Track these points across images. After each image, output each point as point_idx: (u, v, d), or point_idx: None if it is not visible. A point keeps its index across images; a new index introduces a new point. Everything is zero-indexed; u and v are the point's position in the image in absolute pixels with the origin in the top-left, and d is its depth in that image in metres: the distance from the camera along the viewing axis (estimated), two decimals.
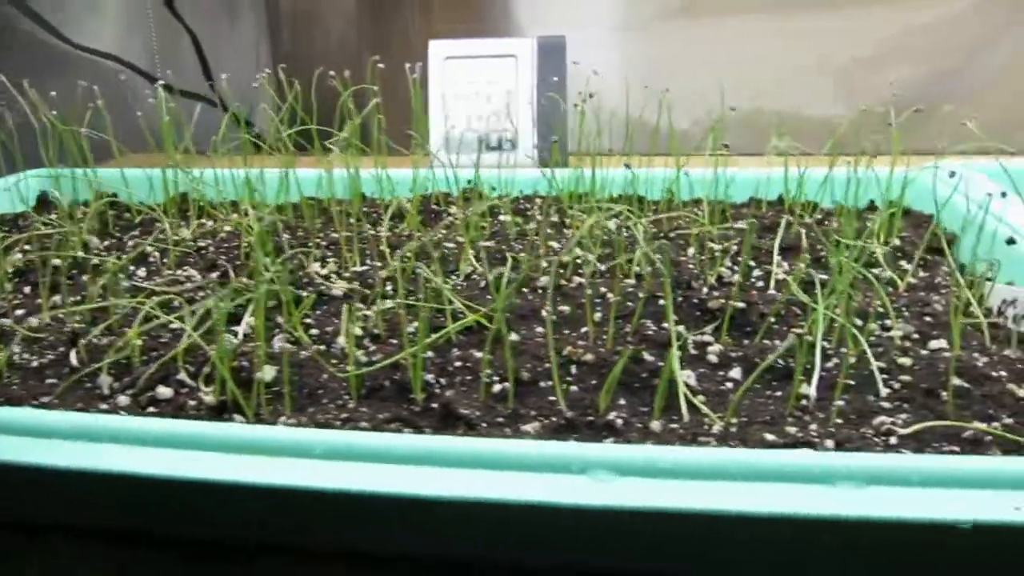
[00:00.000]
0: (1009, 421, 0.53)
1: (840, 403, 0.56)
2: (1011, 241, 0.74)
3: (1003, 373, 0.57)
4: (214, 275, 0.78)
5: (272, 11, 1.79)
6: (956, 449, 0.50)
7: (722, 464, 0.43)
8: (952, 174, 0.88)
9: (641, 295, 0.70)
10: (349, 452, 0.45)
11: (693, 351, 0.63)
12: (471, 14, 1.79)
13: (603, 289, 0.72)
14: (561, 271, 0.76)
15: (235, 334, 0.64)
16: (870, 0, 1.70)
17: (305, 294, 0.71)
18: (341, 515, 0.47)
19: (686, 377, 0.59)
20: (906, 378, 0.58)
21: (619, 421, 0.54)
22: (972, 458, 0.47)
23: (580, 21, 1.75)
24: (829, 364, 0.61)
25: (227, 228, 0.91)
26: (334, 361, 0.62)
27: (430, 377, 0.60)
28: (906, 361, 0.59)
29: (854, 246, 0.82)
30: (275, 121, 0.99)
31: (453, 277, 0.78)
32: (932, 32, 1.70)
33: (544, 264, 0.78)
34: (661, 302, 0.69)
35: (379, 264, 0.80)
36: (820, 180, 0.97)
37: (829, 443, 0.51)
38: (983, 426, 0.51)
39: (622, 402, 0.57)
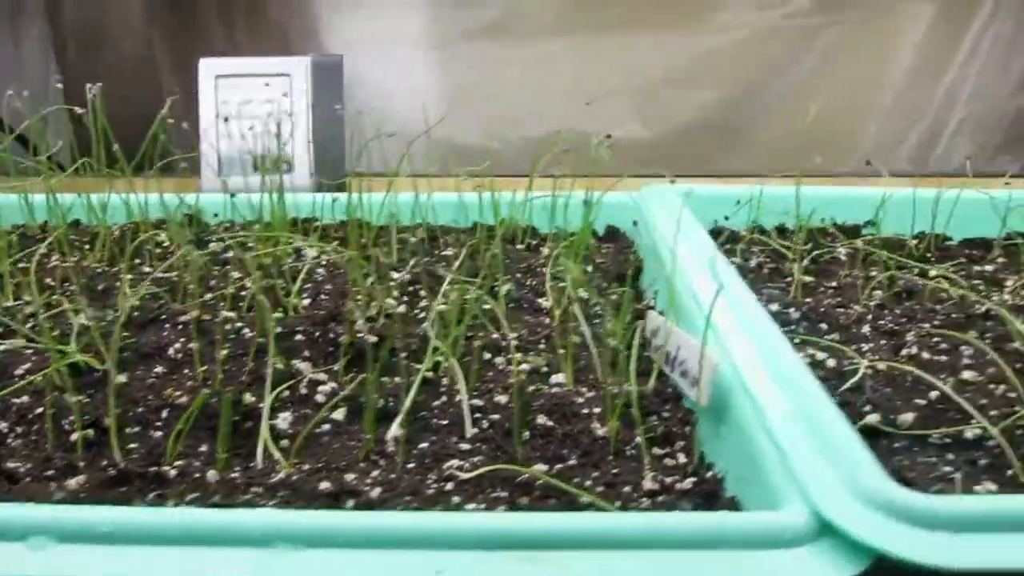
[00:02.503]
0: (573, 462, 0.52)
1: (424, 445, 0.54)
2: None
3: (595, 410, 0.56)
4: None
5: (56, 27, 1.69)
6: (505, 495, 0.49)
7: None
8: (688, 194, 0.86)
9: (281, 330, 0.67)
10: None
11: (304, 390, 0.60)
12: (274, 30, 1.74)
13: (240, 325, 0.69)
14: (221, 304, 0.73)
15: None
16: (667, 24, 1.73)
17: None
18: None
19: (281, 419, 0.56)
20: (496, 416, 0.56)
21: (173, 472, 0.51)
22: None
23: (383, 39, 1.73)
24: (438, 402, 0.59)
25: None
26: None
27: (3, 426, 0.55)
28: (502, 399, 0.58)
29: (534, 272, 0.82)
30: (47, 140, 0.92)
31: (111, 311, 0.73)
32: (727, 56, 1.75)
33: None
34: (298, 337, 0.66)
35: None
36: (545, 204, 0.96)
37: (376, 491, 0.48)
38: (540, 468, 0.50)
39: (203, 448, 0.54)
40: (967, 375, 0.61)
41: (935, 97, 1.76)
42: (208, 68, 1.36)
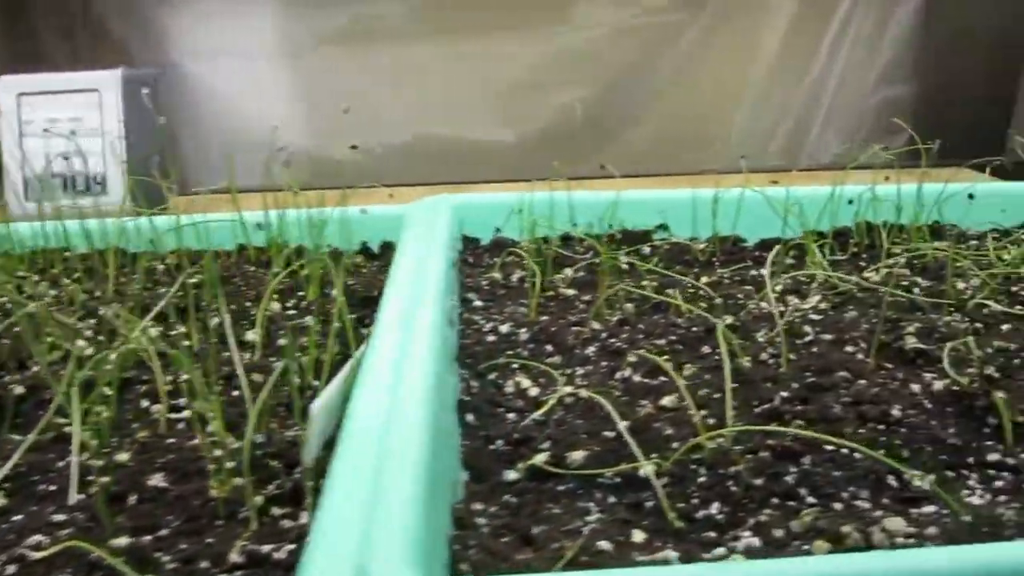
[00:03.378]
0: (165, 532, 0.45)
1: (18, 518, 0.47)
2: None
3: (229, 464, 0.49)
4: None
5: None
6: None
7: None
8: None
9: None
10: None
11: None
12: (113, 42, 1.65)
13: None
14: None
15: None
16: (526, 25, 1.68)
17: None
18: None
19: None
20: (106, 479, 0.49)
21: None
22: None
23: (232, 48, 1.65)
24: (64, 462, 0.52)
25: None
26: None
27: None
28: (124, 456, 0.51)
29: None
30: None
31: None
32: (589, 56, 1.70)
33: None
34: None
35: None
36: None
37: None
38: (121, 542, 0.43)
39: None
40: (667, 401, 0.55)
41: (801, 92, 1.72)
42: (9, 86, 1.28)
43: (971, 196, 0.81)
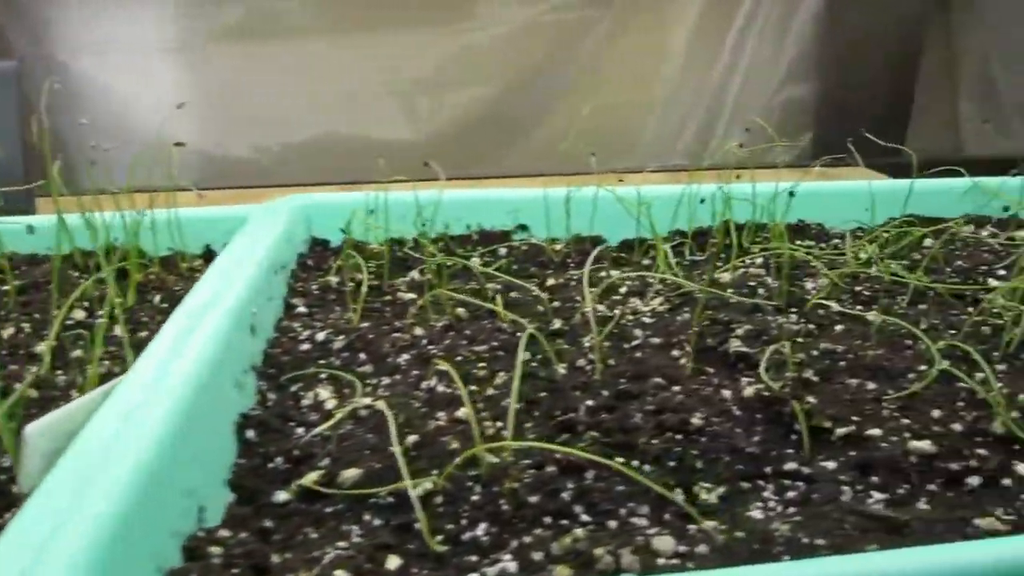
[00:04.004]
0: None
1: None
2: None
3: None
4: None
5: None
6: None
7: None
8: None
9: None
10: None
11: None
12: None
13: None
14: None
15: None
16: (430, 21, 1.64)
17: None
18: None
19: None
20: None
21: None
22: None
23: (119, 42, 1.58)
24: None
25: None
26: None
27: None
28: None
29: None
30: None
31: None
32: (494, 53, 1.66)
33: None
34: None
35: None
36: None
37: None
38: None
39: None
40: (462, 412, 0.52)
41: (707, 91, 1.72)
42: None
43: (791, 194, 0.79)
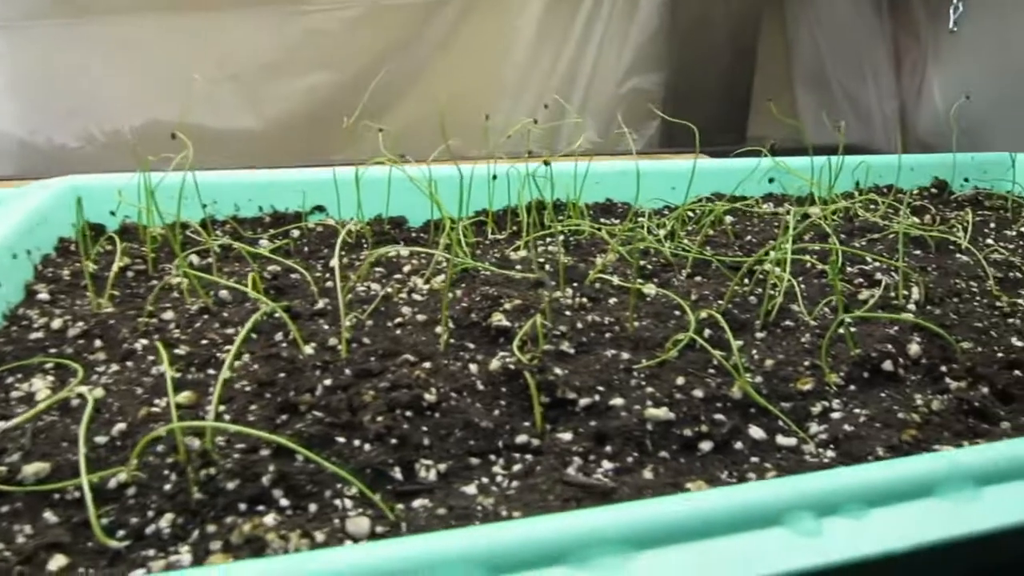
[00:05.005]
0: None
1: None
2: None
3: None
4: None
5: None
6: None
7: None
8: None
9: None
10: None
11: None
12: None
13: None
14: None
15: None
16: (269, 1, 1.57)
17: None
18: None
19: None
20: None
21: None
22: None
23: None
24: None
25: None
26: None
27: None
28: None
29: None
30: None
31: None
32: (337, 37, 1.61)
33: None
34: None
35: None
36: None
37: None
38: None
39: None
40: (183, 398, 0.48)
41: (556, 77, 1.72)
42: None
43: (547, 163, 0.78)
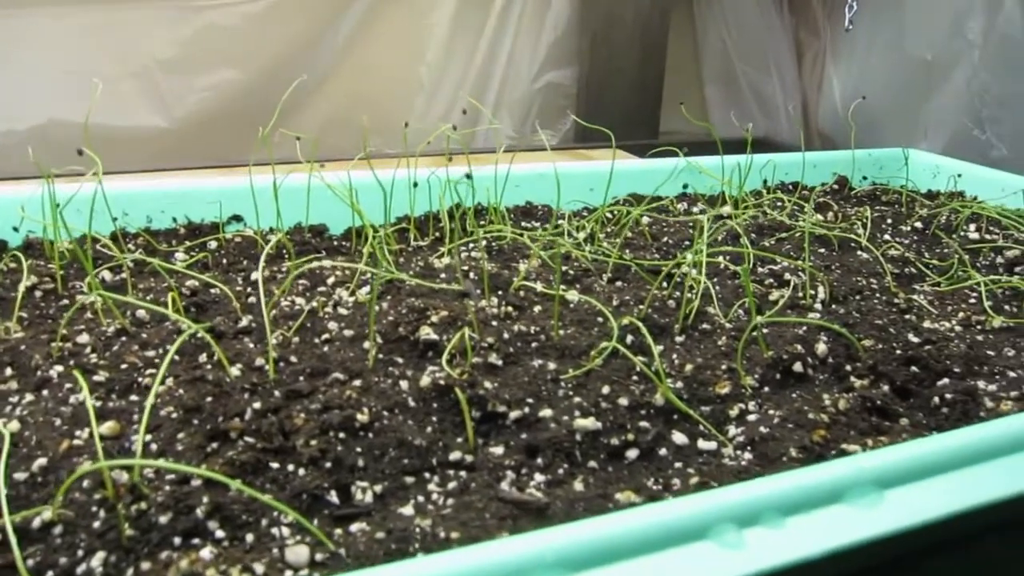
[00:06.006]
0: None
1: None
2: None
3: None
4: None
5: None
6: None
7: None
8: None
9: None
10: None
11: None
12: None
13: None
14: None
15: None
16: None
17: None
18: None
19: None
20: None
21: None
22: None
23: None
24: None
25: None
26: None
27: None
28: None
29: None
30: None
31: None
32: (243, 33, 1.57)
33: None
34: None
35: None
36: None
37: None
38: None
39: None
40: (107, 428, 0.47)
41: (471, 73, 1.72)
42: None
43: (468, 176, 0.80)
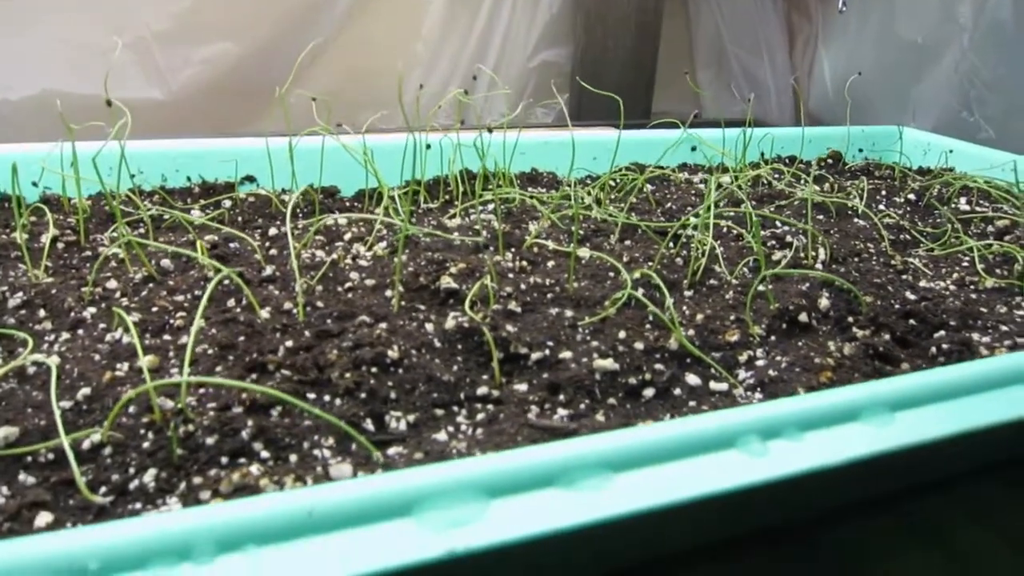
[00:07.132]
0: None
1: None
2: None
3: None
4: None
5: None
6: None
7: None
8: None
9: None
10: None
11: None
12: None
13: None
14: None
15: None
16: None
17: None
18: None
19: None
20: None
21: None
22: None
23: None
24: None
25: None
26: None
27: None
28: None
29: None
30: None
31: None
32: (241, 6, 1.57)
33: None
34: None
35: None
36: None
37: None
38: None
39: None
40: (147, 361, 0.49)
41: (468, 50, 1.74)
42: None
43: (428, 146, 0.81)
